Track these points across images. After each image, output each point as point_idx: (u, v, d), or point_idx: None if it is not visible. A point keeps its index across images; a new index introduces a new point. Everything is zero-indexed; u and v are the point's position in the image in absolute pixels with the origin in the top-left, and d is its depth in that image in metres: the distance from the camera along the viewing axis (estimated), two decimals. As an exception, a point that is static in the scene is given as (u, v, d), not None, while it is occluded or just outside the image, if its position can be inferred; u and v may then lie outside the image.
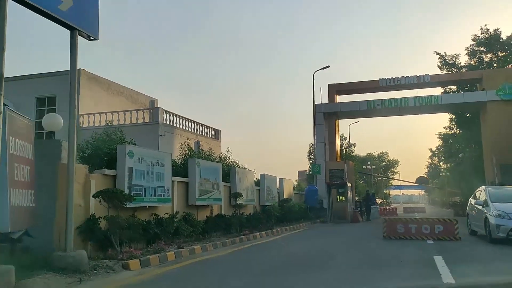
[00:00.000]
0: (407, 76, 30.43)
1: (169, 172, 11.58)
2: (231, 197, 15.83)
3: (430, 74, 30.32)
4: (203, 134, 25.88)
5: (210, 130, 27.04)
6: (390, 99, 30.49)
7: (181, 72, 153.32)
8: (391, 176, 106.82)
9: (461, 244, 12.28)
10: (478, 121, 39.61)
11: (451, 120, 52.26)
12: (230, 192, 16.09)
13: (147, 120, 21.71)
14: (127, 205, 9.19)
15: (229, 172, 16.44)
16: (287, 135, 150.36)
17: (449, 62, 37.74)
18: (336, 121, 33.62)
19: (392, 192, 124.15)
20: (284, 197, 22.01)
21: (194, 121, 24.87)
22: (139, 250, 9.37)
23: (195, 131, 24.89)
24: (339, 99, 33.26)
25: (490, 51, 36.24)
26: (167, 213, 11.39)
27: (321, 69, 29.66)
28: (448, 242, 12.78)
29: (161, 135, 20.38)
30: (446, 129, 54.58)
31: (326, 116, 32.04)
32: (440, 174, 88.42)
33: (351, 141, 44.54)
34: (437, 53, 38.31)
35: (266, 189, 19.52)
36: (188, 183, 13.07)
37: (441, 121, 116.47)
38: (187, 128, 23.85)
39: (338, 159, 33.62)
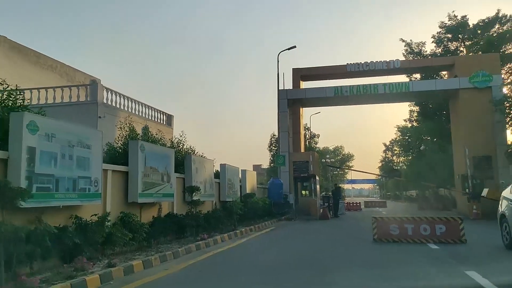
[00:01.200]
0: (376, 61, 28.34)
1: (99, 157, 8.29)
2: (185, 192, 12.67)
3: (400, 59, 28.42)
4: (153, 119, 22.39)
5: (162, 115, 23.58)
6: (358, 85, 28.28)
7: (132, 57, 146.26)
8: (347, 170, 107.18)
9: (483, 251, 9.89)
10: (442, 112, 38.68)
11: (411, 112, 51.61)
12: (184, 185, 12.94)
13: (82, 98, 17.94)
14: (22, 205, 5.88)
15: (183, 160, 13.27)
16: (245, 127, 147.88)
17: (415, 50, 36.25)
18: (301, 109, 31.08)
19: (345, 186, 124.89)
20: (247, 192, 19.12)
21: (142, 103, 21.34)
22: (44, 273, 6.10)
23: (143, 115, 21.37)
24: (304, 86, 30.73)
25: (456, 39, 35.02)
26: (96, 215, 8.13)
27: (286, 49, 26.95)
28: (457, 246, 10.39)
29: (100, 117, 16.75)
30: (406, 121, 53.89)
31: (290, 104, 29.40)
32: (394, 168, 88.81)
33: (313, 132, 42.21)
34: (403, 40, 36.75)
35: (227, 182, 16.50)
36: (128, 174, 9.81)
37: (399, 114, 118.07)
38: (133, 111, 20.29)
39: (302, 150, 31.14)
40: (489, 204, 23.01)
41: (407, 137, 58.80)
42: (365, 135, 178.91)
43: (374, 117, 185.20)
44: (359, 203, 37.40)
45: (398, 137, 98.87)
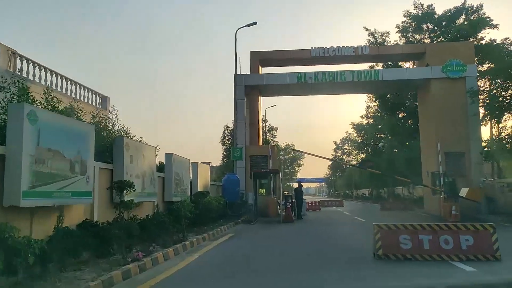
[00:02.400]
0: (343, 47, 25.62)
1: None
2: (113, 189, 8.86)
3: (368, 45, 25.89)
4: (83, 99, 18.12)
5: (94, 96, 19.32)
6: (324, 72, 25.42)
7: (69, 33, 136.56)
8: (297, 169, 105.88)
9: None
10: (404, 107, 36.99)
11: (368, 108, 50.11)
12: (112, 179, 9.14)
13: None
14: None
15: (111, 145, 9.45)
16: (196, 122, 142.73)
17: (379, 40, 34.13)
18: (259, 98, 27.80)
19: (294, 185, 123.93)
20: (199, 190, 15.52)
21: (67, 78, 17.04)
22: None
23: (69, 93, 17.10)
24: (263, 72, 27.48)
25: (420, 31, 33.21)
26: None
27: (245, 26, 23.52)
28: (495, 266, 7.46)
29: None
30: (362, 118, 52.34)
31: (248, 91, 26.03)
32: (349, 166, 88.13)
33: (271, 124, 38.99)
34: (367, 29, 34.52)
35: (174, 177, 12.80)
36: (5, 158, 5.94)
37: (353, 112, 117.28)
38: (55, 87, 16.03)
39: (260, 143, 27.87)
40: (466, 205, 21.00)
41: (362, 135, 57.44)
42: (316, 133, 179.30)
43: (326, 114, 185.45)
44: (318, 202, 34.73)
45: (349, 135, 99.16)
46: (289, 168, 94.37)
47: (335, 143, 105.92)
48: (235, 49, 23.90)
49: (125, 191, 8.16)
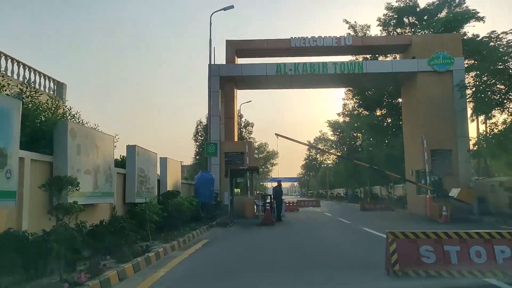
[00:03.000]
0: (325, 37, 24.02)
1: None
2: (50, 188, 6.72)
3: (352, 35, 24.39)
4: (37, 85, 15.71)
5: (49, 82, 16.92)
6: (305, 63, 23.77)
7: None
8: (270, 169, 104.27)
9: None
10: (386, 103, 35.79)
11: (345, 105, 48.97)
12: (51, 174, 7.03)
13: None
14: None
15: (51, 131, 7.32)
16: (170, 120, 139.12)
17: (359, 34, 32.77)
18: (235, 91, 25.88)
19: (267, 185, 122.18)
20: (169, 189, 13.48)
21: (13, 59, 14.63)
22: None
23: (20, 78, 14.69)
24: (240, 63, 25.59)
25: (401, 25, 32.05)
26: None
27: (221, 9, 21.54)
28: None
29: None
30: (339, 115, 51.19)
31: (223, 82, 24.11)
32: (322, 165, 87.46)
33: (247, 120, 36.97)
34: (347, 22, 33.10)
35: (138, 173, 10.72)
36: None
37: (328, 111, 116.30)
38: (3, 69, 13.65)
39: (236, 139, 25.96)
40: (455, 205, 19.72)
41: (338, 133, 56.31)
42: (291, 132, 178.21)
43: (301, 113, 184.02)
44: (296, 202, 33.11)
45: (323, 135, 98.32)
46: (263, 167, 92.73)
47: (309, 142, 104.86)
48: (210, 35, 21.95)
49: (63, 190, 6.07)
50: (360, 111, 45.16)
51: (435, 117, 22.63)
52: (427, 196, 21.57)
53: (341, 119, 52.36)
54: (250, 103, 55.16)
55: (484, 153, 20.95)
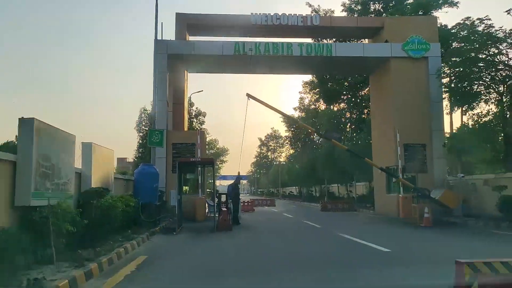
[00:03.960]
0: (290, 15, 21.17)
1: None
2: None
3: (321, 14, 21.71)
4: None
5: None
6: (268, 42, 20.79)
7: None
8: (220, 166, 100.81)
9: None
10: (347, 97, 33.65)
11: (301, 99, 46.76)
12: None
13: None
14: None
15: None
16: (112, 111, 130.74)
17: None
18: (186, 73, 22.47)
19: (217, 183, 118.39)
20: (94, 186, 9.93)
21: None
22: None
23: None
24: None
25: (366, 12, 29.93)
26: None
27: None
28: None
29: None
30: (295, 109, 48.86)
31: (172, 63, 20.67)
32: (275, 163, 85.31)
33: (199, 109, 33.19)
34: (310, 5, 30.54)
35: (37, 161, 7.08)
36: None
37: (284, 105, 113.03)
38: None
39: (186, 129, 22.52)
40: (434, 206, 17.55)
41: (293, 129, 53.92)
42: (241, 129, 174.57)
43: (255, 111, 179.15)
44: (251, 201, 30.10)
45: (274, 132, 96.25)
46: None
47: (260, 139, 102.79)
48: (156, 2, 18.31)
49: None
50: (317, 105, 43.08)
51: (408, 108, 20.50)
52: (401, 195, 19.33)
53: (296, 114, 50.08)
54: (202, 91, 50.88)
55: (462, 147, 18.94)
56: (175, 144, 19.84)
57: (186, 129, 22.60)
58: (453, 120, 24.67)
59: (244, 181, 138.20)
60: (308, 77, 38.88)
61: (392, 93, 20.96)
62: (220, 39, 21.79)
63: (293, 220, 19.96)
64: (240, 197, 18.55)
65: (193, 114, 31.00)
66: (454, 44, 21.02)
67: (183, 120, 21.68)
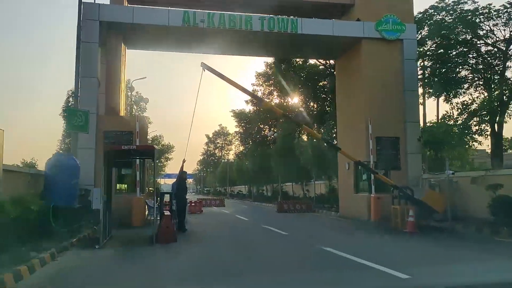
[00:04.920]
0: (250, -15, 18.06)
1: None
2: None
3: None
4: None
5: None
6: (223, 13, 17.53)
7: None
8: (165, 164, 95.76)
9: None
10: (303, 88, 31.03)
11: (255, 91, 43.68)
12: None
13: None
14: None
15: None
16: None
17: None
18: (123, 48, 18.66)
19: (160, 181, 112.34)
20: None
21: None
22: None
23: None
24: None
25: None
26: None
27: None
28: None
29: None
30: (248, 103, 45.67)
31: (106, 34, 16.95)
32: (223, 160, 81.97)
33: (140, 94, 29.04)
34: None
35: None
36: None
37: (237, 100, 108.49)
38: None
39: (123, 114, 18.74)
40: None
41: (243, 124, 50.80)
42: (189, 124, 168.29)
43: (205, 100, 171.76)
44: (199, 202, 26.63)
45: (222, 129, 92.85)
46: (157, 161, 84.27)
47: (207, 136, 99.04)
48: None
49: None
50: (271, 99, 40.31)
51: (380, 96, 18.12)
52: (372, 195, 16.87)
53: (247, 108, 46.96)
54: (146, 78, 45.86)
55: (441, 141, 16.79)
56: (108, 132, 16.09)
57: (123, 114, 18.82)
58: (426, 112, 22.58)
59: (190, 180, 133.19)
60: (261, 68, 36.04)
61: (363, 78, 18.48)
62: (166, 9, 18.22)
63: (249, 225, 16.86)
64: (187, 197, 15.14)
65: (133, 100, 26.98)
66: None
67: (119, 105, 17.85)
